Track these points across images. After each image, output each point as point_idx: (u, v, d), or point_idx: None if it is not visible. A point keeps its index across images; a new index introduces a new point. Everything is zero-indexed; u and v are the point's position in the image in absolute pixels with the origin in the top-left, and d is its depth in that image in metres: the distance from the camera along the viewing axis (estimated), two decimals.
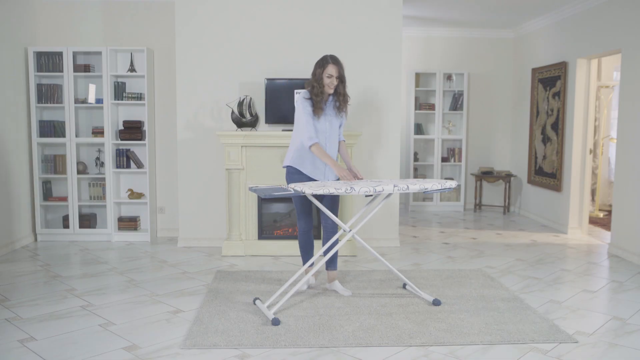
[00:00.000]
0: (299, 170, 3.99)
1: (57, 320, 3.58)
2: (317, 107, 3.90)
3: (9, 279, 4.48)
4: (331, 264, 4.16)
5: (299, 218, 4.13)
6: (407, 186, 3.58)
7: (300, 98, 3.96)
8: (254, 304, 3.82)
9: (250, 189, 3.72)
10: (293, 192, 3.54)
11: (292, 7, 5.50)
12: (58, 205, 5.96)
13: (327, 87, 3.90)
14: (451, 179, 8.08)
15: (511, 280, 4.54)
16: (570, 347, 3.21)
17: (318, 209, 4.31)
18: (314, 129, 3.87)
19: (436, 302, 3.86)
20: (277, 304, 3.69)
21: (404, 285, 4.18)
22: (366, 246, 3.89)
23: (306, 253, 4.17)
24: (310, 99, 3.92)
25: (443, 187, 3.67)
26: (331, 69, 3.87)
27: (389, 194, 3.77)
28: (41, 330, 3.41)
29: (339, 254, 4.48)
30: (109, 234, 5.90)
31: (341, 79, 3.93)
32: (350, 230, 3.85)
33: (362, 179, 3.95)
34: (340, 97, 3.97)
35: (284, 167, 4.10)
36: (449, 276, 4.62)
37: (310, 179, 4.00)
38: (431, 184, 3.64)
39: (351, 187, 3.47)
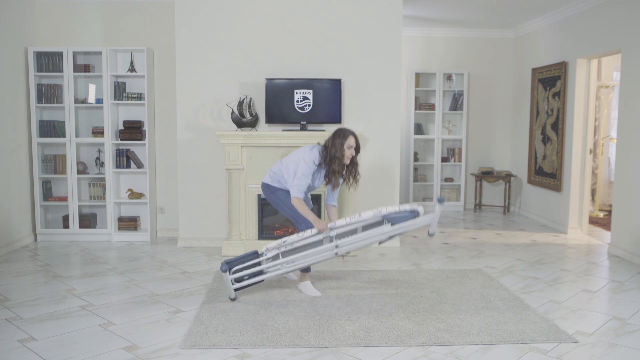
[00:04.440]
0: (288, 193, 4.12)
1: (57, 320, 3.58)
2: (335, 177, 4.05)
3: (9, 279, 4.48)
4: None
5: (300, 222, 4.14)
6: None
7: (311, 155, 4.03)
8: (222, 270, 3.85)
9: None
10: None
11: (292, 7, 5.50)
12: (58, 205, 5.96)
13: (345, 158, 4.03)
14: (451, 179, 8.09)
15: (511, 280, 4.54)
16: (570, 347, 3.21)
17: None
18: (306, 187, 4.00)
19: (440, 200, 3.77)
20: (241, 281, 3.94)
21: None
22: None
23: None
24: (321, 165, 4.04)
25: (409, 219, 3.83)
26: (351, 141, 4.02)
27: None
28: (41, 330, 3.41)
29: None
30: (109, 234, 5.90)
31: (357, 149, 4.08)
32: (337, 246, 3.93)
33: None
34: (356, 166, 4.14)
35: (262, 183, 4.21)
36: (449, 276, 4.62)
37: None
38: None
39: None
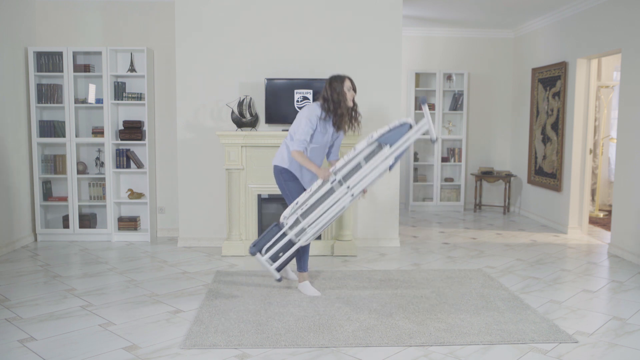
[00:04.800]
0: (295, 176, 4.08)
1: (57, 320, 3.58)
2: (344, 122, 4.02)
3: (9, 279, 4.48)
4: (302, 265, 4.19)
5: (287, 197, 4.13)
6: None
7: (311, 111, 3.97)
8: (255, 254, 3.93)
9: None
10: None
11: (292, 7, 5.50)
12: (58, 205, 5.96)
13: (348, 100, 4.01)
14: (451, 179, 8.09)
15: (511, 280, 4.54)
16: (570, 347, 3.21)
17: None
18: (306, 141, 3.94)
19: (423, 100, 3.78)
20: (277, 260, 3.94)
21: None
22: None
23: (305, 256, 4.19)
24: (325, 118, 3.98)
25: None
26: (348, 82, 4.02)
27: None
28: (41, 330, 3.41)
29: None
30: (109, 234, 5.91)
31: (355, 89, 4.07)
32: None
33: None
34: (356, 107, 4.10)
35: (276, 165, 4.11)
36: (449, 276, 4.62)
37: (297, 181, 4.10)
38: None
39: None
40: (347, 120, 4.05)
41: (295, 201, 3.92)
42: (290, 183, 4.08)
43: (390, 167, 3.86)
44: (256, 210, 5.36)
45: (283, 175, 4.09)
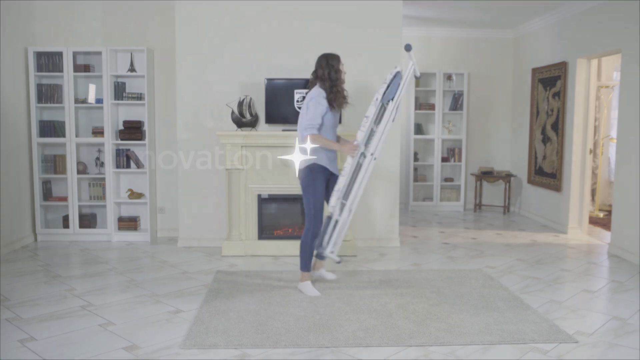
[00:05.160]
0: (325, 168, 4.10)
1: (57, 320, 3.58)
2: (343, 100, 4.10)
3: (9, 279, 4.48)
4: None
5: (317, 219, 4.10)
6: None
7: (315, 95, 4.01)
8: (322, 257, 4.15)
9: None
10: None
11: (292, 7, 5.50)
12: (58, 205, 5.96)
13: (344, 77, 4.13)
14: (451, 179, 8.09)
15: (511, 280, 4.54)
16: (570, 347, 3.21)
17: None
18: (320, 122, 3.98)
19: (408, 47, 3.94)
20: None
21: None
22: None
23: (311, 256, 4.19)
24: (329, 98, 4.02)
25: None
26: (340, 59, 4.13)
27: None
28: (41, 330, 3.41)
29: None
30: (109, 234, 5.90)
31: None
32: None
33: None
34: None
35: (306, 166, 4.07)
36: (449, 276, 4.62)
37: (327, 173, 4.14)
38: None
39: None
40: (344, 98, 4.12)
41: (335, 189, 3.98)
42: (317, 183, 4.08)
43: (394, 119, 4.07)
44: (256, 210, 5.35)
45: (314, 173, 4.06)
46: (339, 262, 4.07)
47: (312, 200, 4.06)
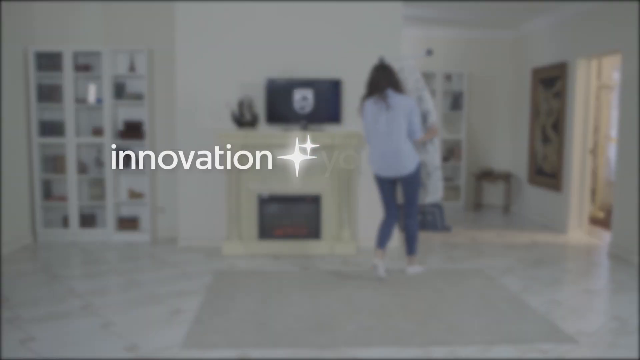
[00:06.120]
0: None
1: (57, 320, 3.58)
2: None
3: (9, 279, 4.48)
4: (407, 249, 4.67)
5: (418, 207, 4.67)
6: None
7: (414, 104, 4.43)
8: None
9: None
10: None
11: (292, 7, 5.50)
12: (58, 205, 5.96)
13: None
14: (451, 179, 8.09)
15: (511, 280, 4.54)
16: (570, 347, 3.21)
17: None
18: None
19: (429, 52, 4.87)
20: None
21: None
22: None
23: (380, 240, 4.57)
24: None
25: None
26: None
27: None
28: (41, 330, 3.41)
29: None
30: (109, 234, 5.90)
31: None
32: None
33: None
34: None
35: (417, 163, 4.48)
36: (449, 276, 4.62)
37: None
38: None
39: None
40: None
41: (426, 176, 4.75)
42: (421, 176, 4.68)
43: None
44: (256, 210, 5.36)
45: (419, 168, 4.50)
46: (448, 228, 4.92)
47: (419, 191, 4.59)
